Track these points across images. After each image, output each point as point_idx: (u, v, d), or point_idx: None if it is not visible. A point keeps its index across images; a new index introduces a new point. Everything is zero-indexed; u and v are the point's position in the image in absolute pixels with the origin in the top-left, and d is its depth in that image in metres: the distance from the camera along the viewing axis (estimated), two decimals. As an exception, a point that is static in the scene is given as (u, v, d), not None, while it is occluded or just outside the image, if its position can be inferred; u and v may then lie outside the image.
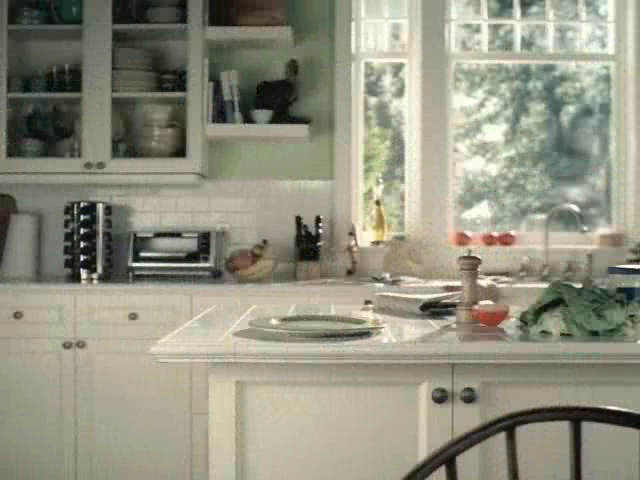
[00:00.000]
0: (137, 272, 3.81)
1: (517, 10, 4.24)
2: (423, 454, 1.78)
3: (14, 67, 3.85)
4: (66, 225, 3.83)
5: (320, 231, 3.89)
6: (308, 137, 3.90)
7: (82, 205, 3.81)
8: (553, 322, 1.84)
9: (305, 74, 4.01)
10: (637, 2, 4.09)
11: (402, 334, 1.95)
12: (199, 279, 3.73)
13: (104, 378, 3.44)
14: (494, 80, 4.33)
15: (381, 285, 3.55)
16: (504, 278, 3.86)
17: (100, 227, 3.83)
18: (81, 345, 3.43)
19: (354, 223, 4.04)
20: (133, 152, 3.92)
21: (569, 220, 4.14)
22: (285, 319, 2.03)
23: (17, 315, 3.44)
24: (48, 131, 3.95)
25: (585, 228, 3.95)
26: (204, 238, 3.81)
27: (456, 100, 4.27)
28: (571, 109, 4.32)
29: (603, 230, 4.19)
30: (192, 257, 3.80)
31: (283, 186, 4.07)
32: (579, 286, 1.91)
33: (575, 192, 4.28)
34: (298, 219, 3.88)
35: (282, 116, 3.89)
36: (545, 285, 2.06)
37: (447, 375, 1.79)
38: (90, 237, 3.80)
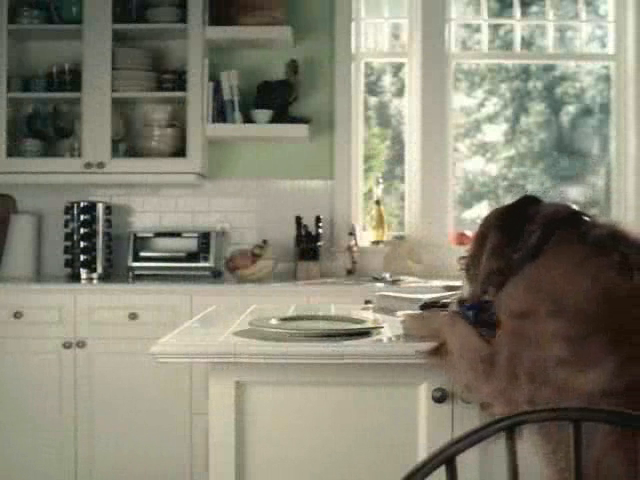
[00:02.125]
0: (137, 272, 3.81)
1: (517, 10, 4.24)
2: (423, 454, 1.78)
3: (14, 67, 3.85)
4: (66, 225, 3.83)
5: (320, 231, 3.89)
6: (308, 137, 3.90)
7: (82, 205, 3.81)
8: (553, 322, 1.84)
9: (305, 74, 4.01)
10: (637, 2, 4.09)
11: (402, 334, 1.95)
12: (199, 279, 3.73)
13: (104, 378, 3.44)
14: (494, 80, 4.33)
15: (381, 285, 3.55)
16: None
17: (100, 227, 3.83)
18: (81, 345, 3.43)
19: (354, 223, 4.04)
20: (133, 152, 3.92)
21: (569, 220, 4.14)
22: (285, 319, 2.03)
23: (17, 315, 3.44)
24: (48, 131, 3.95)
25: (585, 228, 3.94)
26: (204, 238, 3.81)
27: (456, 100, 4.27)
28: (571, 109, 4.32)
29: (603, 230, 4.18)
30: (192, 257, 3.80)
31: (283, 186, 4.07)
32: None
33: (575, 192, 4.28)
34: (298, 219, 3.88)
35: (282, 116, 3.89)
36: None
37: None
38: (90, 237, 3.80)
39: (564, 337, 1.38)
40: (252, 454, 1.80)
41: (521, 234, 1.57)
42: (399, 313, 1.95)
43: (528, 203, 1.66)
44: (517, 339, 1.46)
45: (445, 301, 2.32)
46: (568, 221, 1.56)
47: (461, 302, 1.87)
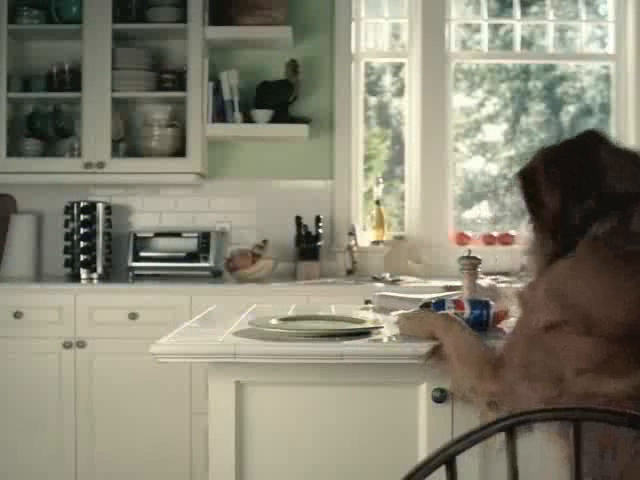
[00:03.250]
0: (137, 272, 3.81)
1: (517, 10, 4.24)
2: (423, 454, 1.78)
3: (14, 67, 3.85)
4: (66, 225, 3.83)
5: (320, 231, 3.89)
6: (308, 137, 3.89)
7: (82, 205, 3.81)
8: (553, 322, 1.84)
9: (305, 74, 4.00)
10: (637, 2, 4.09)
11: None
12: (199, 279, 3.73)
13: (104, 378, 3.43)
14: (494, 80, 4.33)
15: (381, 285, 3.55)
16: (504, 278, 3.85)
17: (100, 227, 3.83)
18: (81, 345, 3.43)
19: (354, 223, 4.04)
20: (133, 152, 3.92)
21: (569, 220, 4.14)
22: (285, 319, 2.03)
23: (17, 315, 3.44)
24: (48, 131, 3.95)
25: (585, 228, 3.94)
26: (204, 238, 3.81)
27: (456, 100, 4.27)
28: (571, 109, 4.32)
29: (603, 230, 4.18)
30: (192, 257, 3.80)
31: (283, 186, 4.07)
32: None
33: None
34: (298, 219, 3.88)
35: (282, 116, 3.88)
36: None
37: (447, 375, 1.79)
38: (90, 237, 3.80)
39: (590, 354, 1.37)
40: (252, 454, 1.80)
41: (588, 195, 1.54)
42: (393, 314, 1.95)
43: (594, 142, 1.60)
44: (535, 348, 1.44)
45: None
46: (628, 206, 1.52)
47: (426, 305, 1.91)
